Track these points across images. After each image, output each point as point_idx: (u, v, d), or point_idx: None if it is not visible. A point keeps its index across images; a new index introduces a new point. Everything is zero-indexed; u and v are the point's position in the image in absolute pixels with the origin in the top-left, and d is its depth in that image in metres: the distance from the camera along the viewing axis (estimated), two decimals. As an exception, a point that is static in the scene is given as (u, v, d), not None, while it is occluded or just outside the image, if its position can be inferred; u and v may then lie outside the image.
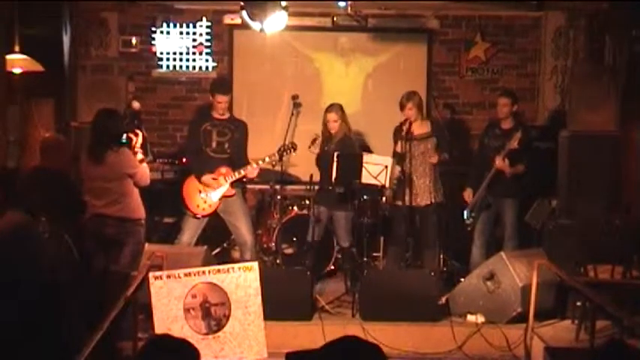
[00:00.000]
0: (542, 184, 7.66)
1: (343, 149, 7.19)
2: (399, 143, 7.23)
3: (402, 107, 7.22)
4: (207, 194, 7.02)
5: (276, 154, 7.13)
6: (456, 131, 8.42)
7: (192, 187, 7.06)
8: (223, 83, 7.66)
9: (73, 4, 7.99)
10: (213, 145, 7.06)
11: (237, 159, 7.06)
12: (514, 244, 7.21)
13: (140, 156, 6.43)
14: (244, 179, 7.12)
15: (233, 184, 7.03)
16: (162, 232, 7.84)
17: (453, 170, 7.65)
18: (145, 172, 6.42)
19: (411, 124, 7.14)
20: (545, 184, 7.70)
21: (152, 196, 6.98)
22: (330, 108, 7.42)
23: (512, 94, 7.48)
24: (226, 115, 7.14)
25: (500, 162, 7.13)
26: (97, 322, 4.55)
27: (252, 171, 7.02)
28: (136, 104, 7.75)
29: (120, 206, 6.26)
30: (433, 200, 7.25)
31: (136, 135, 6.47)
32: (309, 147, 7.38)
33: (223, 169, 7.00)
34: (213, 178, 6.98)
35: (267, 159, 7.09)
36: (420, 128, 7.25)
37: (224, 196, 7.03)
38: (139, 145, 6.47)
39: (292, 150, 7.17)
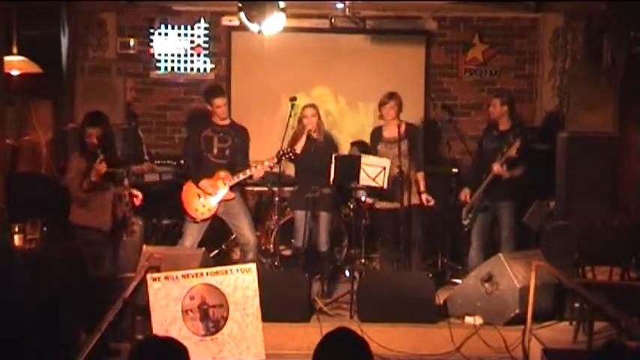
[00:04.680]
0: (540, 185, 7.66)
1: (328, 146, 7.31)
2: (377, 145, 7.24)
3: (383, 105, 7.20)
4: (206, 199, 7.01)
5: (275, 158, 7.03)
6: (454, 132, 8.41)
7: (191, 192, 7.05)
8: (216, 88, 7.65)
9: (71, 6, 7.97)
10: (215, 151, 7.05)
11: (238, 164, 7.05)
12: (511, 247, 7.19)
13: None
14: (250, 179, 7.14)
15: (232, 188, 7.03)
16: (160, 234, 7.84)
17: (447, 172, 7.67)
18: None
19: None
20: (543, 186, 7.70)
21: (150, 198, 6.97)
22: (308, 104, 7.43)
23: (502, 95, 7.48)
24: (227, 121, 7.13)
25: (498, 168, 7.11)
26: (94, 323, 4.55)
27: (258, 171, 7.00)
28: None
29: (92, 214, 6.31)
30: (407, 203, 7.11)
31: (137, 197, 6.54)
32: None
33: (222, 174, 6.99)
34: (212, 184, 6.97)
35: (266, 163, 7.01)
36: (394, 131, 7.18)
37: (223, 200, 7.03)
38: (137, 203, 6.57)
39: (291, 155, 7.05)
